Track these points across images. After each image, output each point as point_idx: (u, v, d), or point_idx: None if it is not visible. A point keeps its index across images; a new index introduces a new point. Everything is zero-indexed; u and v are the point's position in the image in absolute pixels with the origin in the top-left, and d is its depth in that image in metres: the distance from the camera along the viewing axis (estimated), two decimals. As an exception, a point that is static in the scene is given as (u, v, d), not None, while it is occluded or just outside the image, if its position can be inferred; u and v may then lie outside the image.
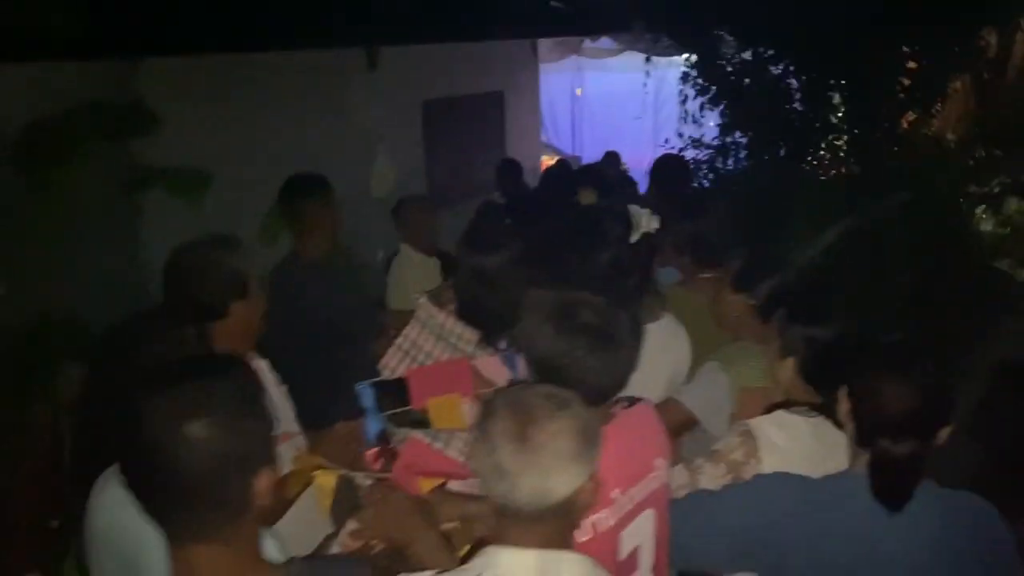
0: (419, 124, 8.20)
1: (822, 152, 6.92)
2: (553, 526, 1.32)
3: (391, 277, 3.79)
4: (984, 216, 7.64)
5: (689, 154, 7.46)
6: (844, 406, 1.68)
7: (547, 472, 1.27)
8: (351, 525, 1.73)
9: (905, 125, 6.89)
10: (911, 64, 6.59)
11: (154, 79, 5.14)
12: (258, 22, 5.81)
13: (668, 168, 4.12)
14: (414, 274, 3.70)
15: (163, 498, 1.18)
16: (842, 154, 6.78)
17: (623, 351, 1.55)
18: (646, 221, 2.45)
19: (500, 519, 1.33)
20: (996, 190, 7.85)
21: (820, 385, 1.98)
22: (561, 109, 11.01)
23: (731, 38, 7.25)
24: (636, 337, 1.58)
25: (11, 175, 2.99)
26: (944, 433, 1.59)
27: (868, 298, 3.85)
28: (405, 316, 3.29)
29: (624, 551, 1.59)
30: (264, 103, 6.34)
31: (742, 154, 7.03)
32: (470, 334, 2.36)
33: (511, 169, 6.41)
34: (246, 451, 1.19)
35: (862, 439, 1.63)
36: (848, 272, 4.79)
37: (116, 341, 1.66)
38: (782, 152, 6.84)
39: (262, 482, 1.21)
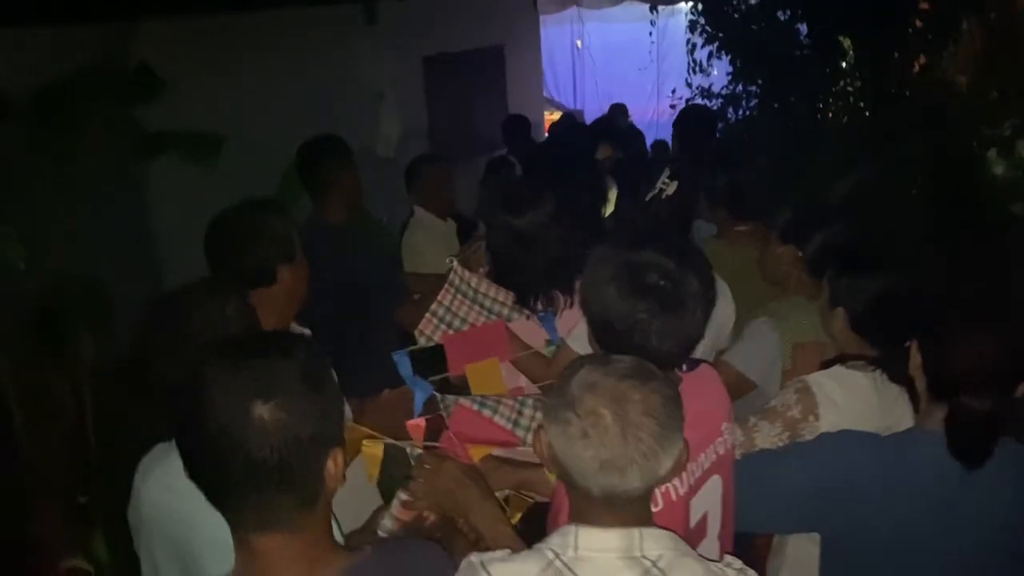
0: (420, 80, 8.04)
1: (832, 99, 6.79)
2: (640, 504, 1.27)
3: (406, 241, 3.70)
4: (996, 159, 7.57)
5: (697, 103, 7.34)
6: (916, 359, 1.62)
7: (655, 454, 1.21)
8: (402, 496, 1.68)
9: (917, 68, 6.75)
10: (923, 4, 6.44)
11: (152, 42, 5.03)
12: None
13: (694, 119, 4.02)
14: (428, 237, 3.61)
15: (231, 485, 1.10)
16: (853, 100, 6.65)
17: (691, 315, 1.48)
18: (664, 182, 2.38)
19: (585, 502, 1.26)
20: (1008, 132, 7.77)
21: (875, 338, 1.93)
22: (562, 62, 10.82)
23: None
24: (706, 301, 1.50)
25: (21, 143, 2.90)
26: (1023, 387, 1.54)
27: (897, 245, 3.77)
28: (421, 280, 3.26)
29: (694, 519, 1.54)
30: (263, 63, 6.21)
31: (752, 103, 6.89)
32: (504, 296, 2.31)
33: (518, 125, 6.30)
34: (318, 431, 1.11)
35: (939, 394, 1.57)
36: (876, 220, 4.71)
37: (162, 314, 1.59)
38: (793, 99, 6.71)
39: (334, 463, 1.15)
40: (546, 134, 9.19)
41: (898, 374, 1.81)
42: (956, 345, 1.53)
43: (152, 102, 3.31)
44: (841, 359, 1.93)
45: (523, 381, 2.28)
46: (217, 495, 1.14)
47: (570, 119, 7.46)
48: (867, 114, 6.77)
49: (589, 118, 9.19)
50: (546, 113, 10.09)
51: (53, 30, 4.32)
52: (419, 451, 1.74)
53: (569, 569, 1.23)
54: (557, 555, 1.25)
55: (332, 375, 1.20)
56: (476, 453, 1.86)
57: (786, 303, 2.33)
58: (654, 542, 1.25)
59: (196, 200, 5.07)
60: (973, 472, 1.53)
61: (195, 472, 1.14)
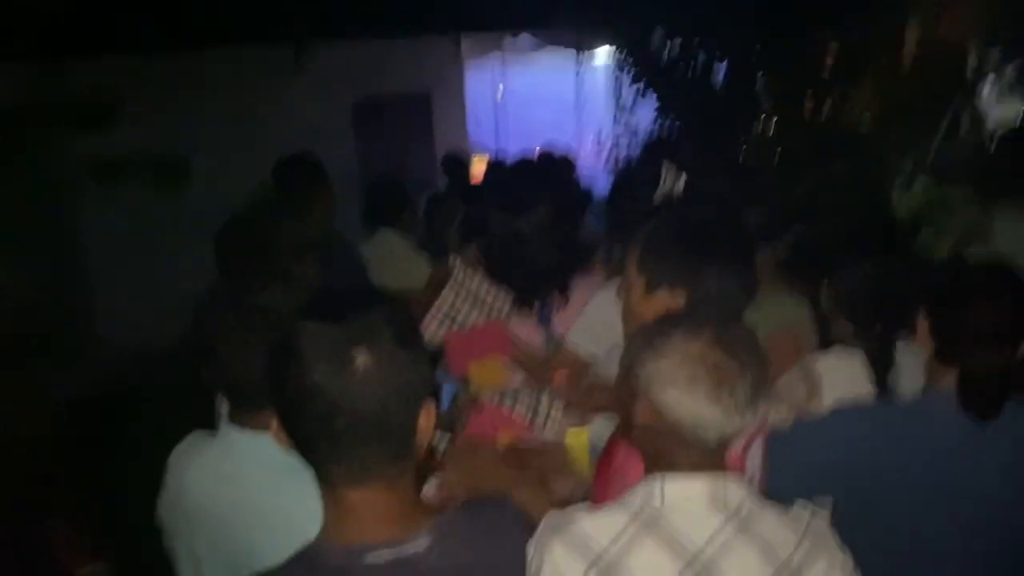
0: (350, 125, 8.07)
1: (752, 133, 7.15)
2: (721, 450, 1.30)
3: (376, 250, 3.72)
4: (899, 191, 8.08)
5: (623, 142, 7.62)
6: (923, 327, 1.73)
7: (752, 400, 1.25)
8: (434, 482, 1.67)
9: (828, 107, 7.19)
10: (833, 45, 6.89)
11: (91, 77, 4.94)
12: (184, 19, 5.64)
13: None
14: (404, 249, 3.66)
15: (331, 437, 1.09)
16: (773, 135, 7.01)
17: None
18: (672, 179, 2.49)
19: (671, 445, 1.28)
20: (910, 167, 8.31)
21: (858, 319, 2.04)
22: (484, 108, 11.02)
23: (657, 30, 7.43)
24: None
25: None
26: (1024, 347, 1.66)
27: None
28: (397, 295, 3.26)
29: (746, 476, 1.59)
30: (196, 101, 6.14)
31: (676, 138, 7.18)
32: (504, 296, 2.35)
33: (457, 163, 6.41)
34: (410, 382, 1.12)
35: (949, 355, 1.68)
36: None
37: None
38: (715, 135, 7.03)
39: (426, 418, 1.15)
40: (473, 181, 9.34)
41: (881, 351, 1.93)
42: (964, 308, 1.64)
43: (108, 125, 3.24)
44: (838, 340, 2.03)
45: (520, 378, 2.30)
46: (315, 449, 1.13)
47: (502, 163, 7.59)
48: (782, 149, 7.16)
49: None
50: (472, 158, 10.22)
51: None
52: (444, 443, 1.74)
53: (658, 517, 1.25)
54: (645, 504, 1.27)
55: (419, 329, 1.21)
56: (502, 438, 1.88)
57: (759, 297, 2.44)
58: (736, 487, 1.28)
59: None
60: (986, 431, 1.63)
61: (293, 429, 1.13)
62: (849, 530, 1.71)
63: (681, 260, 1.55)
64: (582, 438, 1.90)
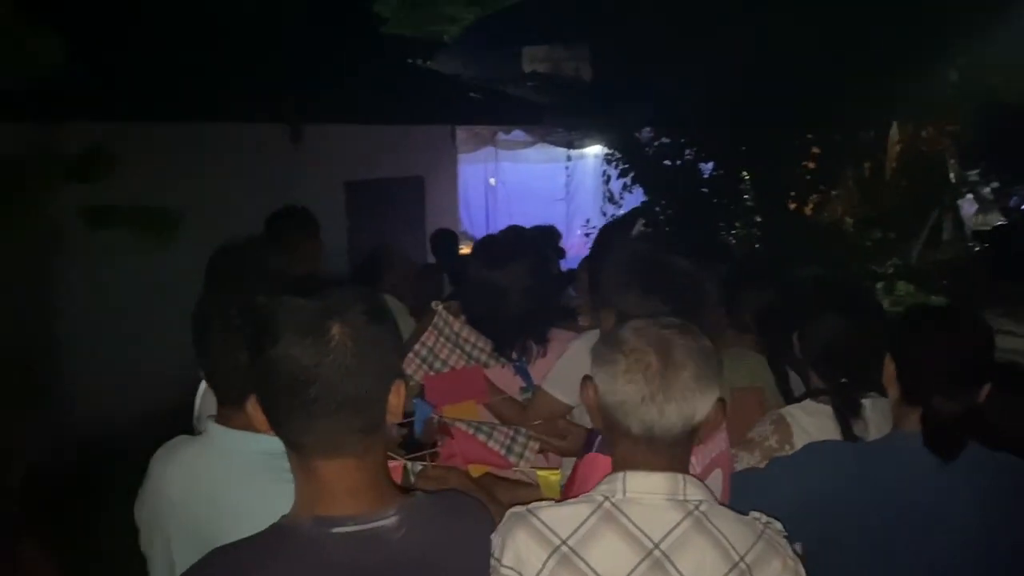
0: (342, 203, 8.20)
1: (736, 229, 7.31)
2: (680, 450, 1.33)
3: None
4: (880, 294, 8.22)
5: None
6: (889, 370, 1.75)
7: (692, 394, 1.29)
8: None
9: (809, 208, 7.38)
10: (815, 149, 7.13)
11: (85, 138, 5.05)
12: (184, 92, 5.82)
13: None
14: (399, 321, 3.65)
15: (305, 409, 1.13)
16: (756, 232, 7.18)
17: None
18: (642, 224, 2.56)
19: (629, 445, 1.33)
20: (890, 271, 8.49)
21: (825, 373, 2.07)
22: (476, 198, 11.25)
23: (647, 130, 7.71)
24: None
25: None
26: (985, 391, 1.69)
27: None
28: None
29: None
30: (193, 173, 6.25)
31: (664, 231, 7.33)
32: (483, 343, 2.36)
33: (445, 238, 6.50)
34: (381, 358, 1.17)
35: (912, 398, 1.70)
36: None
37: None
38: (699, 230, 7.18)
39: (396, 395, 1.19)
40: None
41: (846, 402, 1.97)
42: (927, 352, 1.68)
43: (105, 180, 3.30)
44: (810, 394, 2.05)
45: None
46: (289, 419, 1.16)
47: (489, 239, 7.73)
48: (764, 246, 7.31)
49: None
50: (462, 246, 10.36)
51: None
52: (420, 466, 1.73)
53: (619, 510, 1.28)
54: (606, 498, 1.29)
55: (390, 310, 1.24)
56: (474, 471, 1.86)
57: (722, 355, 2.47)
58: (695, 488, 1.32)
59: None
60: (948, 472, 1.64)
61: (269, 401, 1.17)
62: (816, 566, 1.70)
63: (612, 281, 1.66)
64: (553, 480, 1.89)
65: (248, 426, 1.29)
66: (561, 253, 5.61)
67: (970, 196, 13.80)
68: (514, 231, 5.20)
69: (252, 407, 1.20)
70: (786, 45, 6.67)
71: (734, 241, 7.09)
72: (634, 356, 1.31)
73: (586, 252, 8.50)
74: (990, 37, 7.34)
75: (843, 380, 1.96)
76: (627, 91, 7.40)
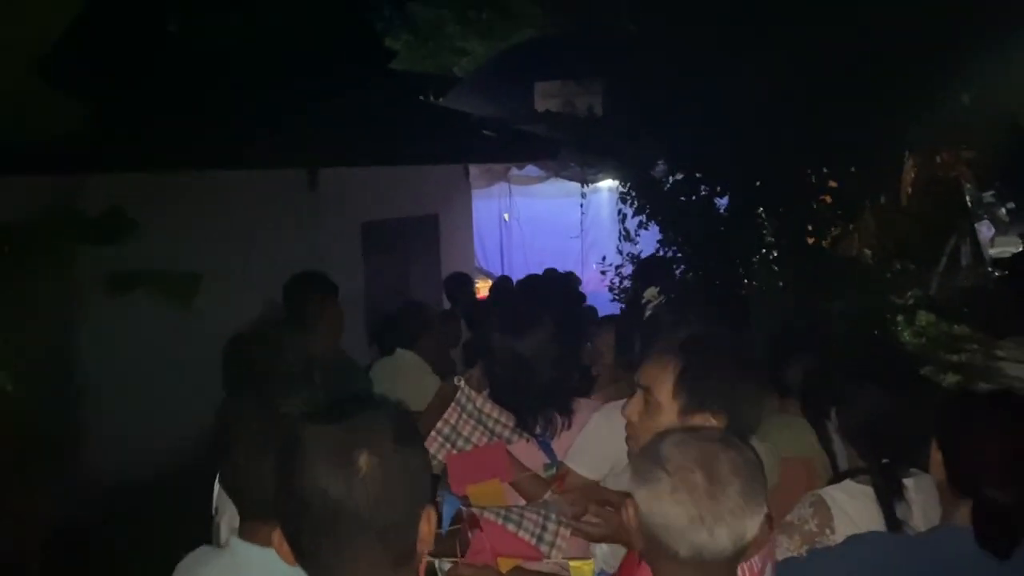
0: (359, 244, 8.22)
1: (754, 266, 7.24)
2: (727, 570, 1.27)
3: (382, 372, 3.68)
4: (902, 326, 8.12)
5: (626, 270, 7.72)
6: (936, 458, 1.70)
7: (742, 512, 1.24)
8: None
9: (828, 242, 7.31)
10: (832, 183, 7.08)
11: (104, 195, 5.09)
12: (201, 141, 5.85)
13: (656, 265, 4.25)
14: (420, 382, 3.61)
15: (332, 540, 1.08)
16: (775, 268, 7.10)
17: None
18: (651, 295, 2.50)
19: (675, 568, 1.27)
20: (911, 302, 8.39)
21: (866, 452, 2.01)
22: (490, 234, 11.24)
23: (659, 164, 7.68)
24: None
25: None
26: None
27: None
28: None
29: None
30: (211, 221, 6.28)
31: (680, 269, 7.28)
32: (506, 418, 2.33)
33: (461, 282, 6.48)
34: (411, 485, 1.13)
35: (961, 488, 1.65)
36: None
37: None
38: (717, 267, 7.13)
39: (427, 523, 1.15)
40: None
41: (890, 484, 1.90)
42: (979, 441, 1.62)
43: (123, 244, 3.29)
44: (850, 473, 1.99)
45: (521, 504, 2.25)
46: (317, 555, 1.11)
47: (507, 281, 7.70)
48: (784, 282, 7.23)
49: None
50: (477, 282, 10.34)
51: (15, 179, 4.35)
52: (448, 564, 1.68)
53: None
54: None
55: (419, 431, 1.21)
56: (503, 565, 1.81)
57: (768, 422, 2.41)
58: None
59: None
60: (1002, 570, 1.58)
61: (295, 534, 1.12)
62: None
63: (720, 383, 1.57)
64: (587, 570, 1.84)
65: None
66: (581, 299, 5.58)
67: (986, 219, 13.75)
68: (533, 286, 5.18)
69: (278, 541, 1.15)
70: (798, 77, 6.66)
71: (755, 282, 7.01)
72: (679, 475, 1.25)
73: (602, 288, 8.50)
74: (1001, 59, 7.30)
75: (884, 460, 1.90)
76: (641, 125, 7.40)
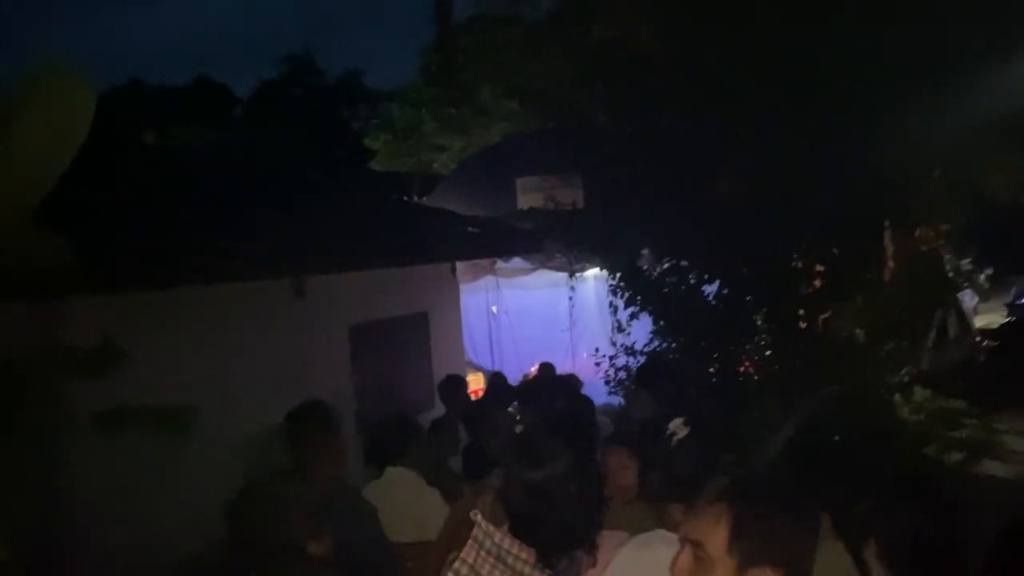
0: (346, 348, 8.12)
1: (748, 352, 7.21)
2: None
3: (385, 504, 3.53)
4: (900, 403, 8.08)
5: (620, 361, 7.66)
6: None
7: None
8: None
9: (820, 325, 7.31)
10: (819, 267, 7.12)
11: (91, 317, 5.01)
12: (190, 257, 5.81)
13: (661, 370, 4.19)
14: (418, 500, 3.49)
15: None
16: (768, 352, 7.07)
17: None
18: (676, 427, 2.40)
19: None
20: (906, 379, 8.37)
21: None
22: (479, 327, 11.18)
23: (644, 255, 7.73)
24: None
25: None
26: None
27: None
28: (410, 549, 3.09)
29: None
30: (197, 336, 6.20)
31: (675, 358, 7.24)
32: (527, 554, 2.21)
33: (455, 385, 6.37)
34: None
35: None
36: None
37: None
38: (712, 354, 7.09)
39: None
40: (472, 397, 9.31)
41: None
42: None
43: (112, 375, 3.21)
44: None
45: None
46: None
47: (501, 379, 7.60)
48: (779, 367, 7.20)
49: (508, 379, 9.37)
50: (468, 375, 10.24)
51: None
52: None
53: None
54: None
55: None
56: None
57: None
58: None
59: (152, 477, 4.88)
60: None
61: None
62: None
63: (778, 534, 1.48)
64: None
65: None
66: (590, 408, 5.43)
67: (968, 288, 13.91)
68: (535, 393, 5.04)
69: None
70: (779, 166, 6.77)
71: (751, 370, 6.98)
72: None
73: (594, 377, 8.41)
74: (963, 130, 7.48)
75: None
76: (623, 216, 7.46)
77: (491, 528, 2.21)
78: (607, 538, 2.26)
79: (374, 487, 3.66)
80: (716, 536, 1.50)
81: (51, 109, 2.08)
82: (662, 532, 1.92)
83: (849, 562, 2.14)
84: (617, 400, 7.67)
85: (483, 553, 2.19)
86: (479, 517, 2.23)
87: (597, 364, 7.94)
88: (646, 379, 4.14)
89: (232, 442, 4.26)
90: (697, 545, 1.53)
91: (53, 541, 4.39)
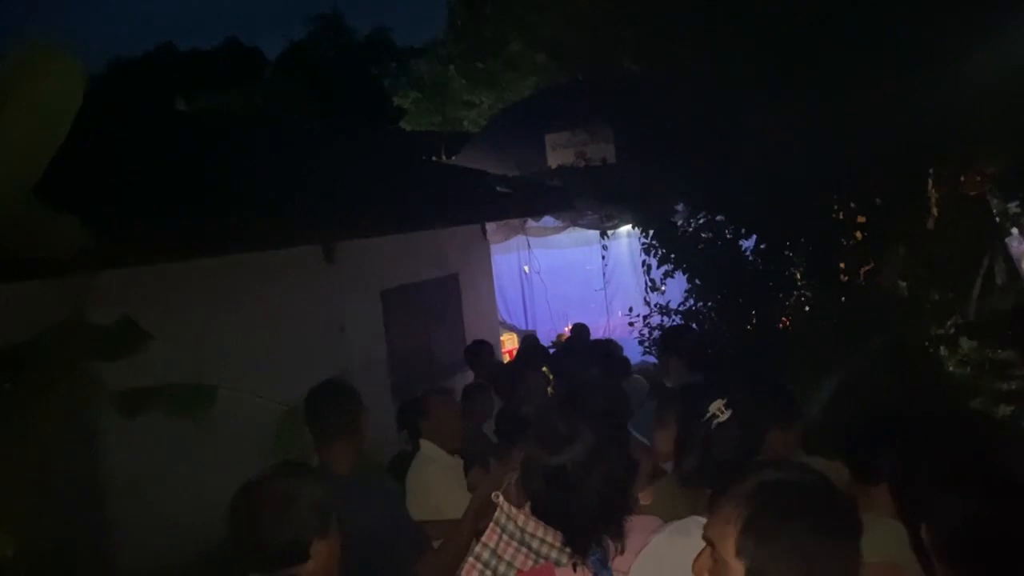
0: (379, 313, 8.08)
1: (787, 307, 7.01)
2: None
3: (412, 481, 3.48)
4: (945, 356, 7.83)
5: (655, 320, 7.51)
6: None
7: None
8: None
9: (862, 277, 7.08)
10: (860, 218, 6.87)
11: (120, 288, 4.99)
12: (220, 227, 5.76)
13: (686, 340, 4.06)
14: (441, 474, 3.42)
15: None
16: (807, 308, 6.88)
17: None
18: (717, 409, 2.24)
19: None
20: (952, 331, 8.11)
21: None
22: (511, 287, 11.10)
23: (679, 209, 7.51)
24: None
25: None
26: None
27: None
28: (437, 525, 3.03)
29: None
30: (232, 305, 6.19)
31: (711, 317, 7.07)
32: (552, 537, 2.11)
33: (480, 350, 6.27)
34: None
35: None
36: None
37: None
38: (749, 310, 6.91)
39: None
40: (506, 357, 9.25)
41: None
42: None
43: (136, 355, 3.15)
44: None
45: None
46: None
47: (534, 341, 7.51)
48: (822, 320, 6.99)
49: (542, 338, 9.30)
50: (501, 336, 10.19)
51: (17, 285, 4.22)
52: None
53: None
54: None
55: None
56: None
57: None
58: None
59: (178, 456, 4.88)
60: None
61: None
62: None
63: (793, 543, 1.34)
64: None
65: None
66: (626, 367, 5.33)
67: (1016, 232, 13.43)
68: (575, 382, 4.90)
69: None
70: (813, 105, 6.49)
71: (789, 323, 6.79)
72: None
73: (628, 335, 8.28)
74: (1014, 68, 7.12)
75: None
76: (655, 170, 7.25)
77: (514, 511, 2.11)
78: (638, 523, 2.15)
79: (410, 475, 3.60)
80: (727, 538, 1.39)
81: (39, 87, 1.99)
82: (699, 519, 1.80)
83: (906, 540, 1.99)
84: (652, 360, 7.53)
85: (505, 537, 2.10)
86: (501, 499, 2.14)
87: (631, 324, 7.80)
88: (674, 345, 4.00)
89: (258, 423, 4.24)
90: (712, 546, 1.42)
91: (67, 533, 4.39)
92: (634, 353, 7.84)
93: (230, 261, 6.11)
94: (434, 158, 12.08)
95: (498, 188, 9.10)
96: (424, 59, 21.55)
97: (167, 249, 5.39)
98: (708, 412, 2.11)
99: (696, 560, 1.47)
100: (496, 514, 2.15)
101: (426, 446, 3.61)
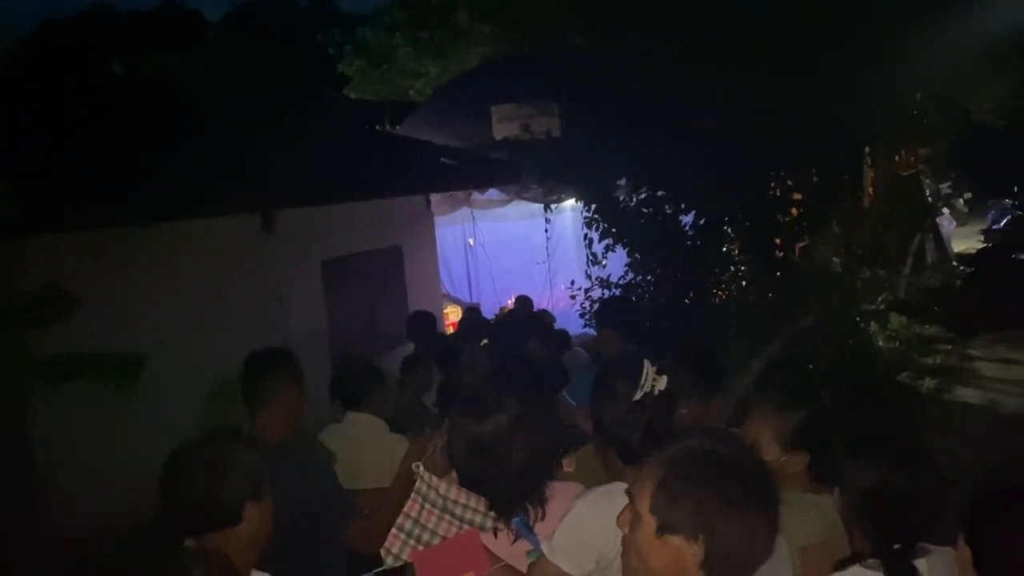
0: (319, 283, 7.99)
1: (724, 283, 7.14)
2: None
3: (345, 450, 3.46)
4: (875, 331, 8.09)
5: (596, 294, 7.58)
6: (964, 555, 1.56)
7: None
8: None
9: (796, 253, 7.24)
10: (796, 195, 7.01)
11: (54, 258, 4.85)
12: (154, 193, 5.61)
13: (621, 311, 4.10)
14: (379, 446, 3.41)
15: None
16: (744, 283, 7.01)
17: None
18: (653, 378, 2.26)
19: None
20: (882, 307, 8.37)
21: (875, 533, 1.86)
22: (456, 259, 11.07)
23: (620, 184, 7.57)
24: None
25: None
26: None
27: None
28: (367, 495, 3.03)
29: None
30: (167, 274, 6.06)
31: (650, 290, 7.17)
32: (476, 502, 2.14)
33: (422, 321, 6.24)
34: None
35: None
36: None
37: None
38: (687, 285, 7.02)
39: None
40: (449, 329, 9.25)
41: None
42: (1009, 539, 1.49)
43: (62, 321, 3.08)
44: (856, 557, 1.85)
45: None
46: None
47: (476, 313, 7.52)
48: (756, 296, 7.15)
49: (486, 311, 9.32)
50: (445, 308, 10.17)
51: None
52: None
53: None
54: None
55: None
56: None
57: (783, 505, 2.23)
58: None
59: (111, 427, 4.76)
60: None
61: None
62: None
63: (699, 506, 1.39)
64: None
65: None
66: (566, 339, 5.34)
67: (946, 213, 13.89)
68: (502, 350, 4.92)
69: None
70: (755, 86, 6.59)
71: (724, 295, 6.92)
72: None
73: (570, 309, 8.36)
74: (951, 54, 7.33)
75: (895, 539, 1.75)
76: (599, 145, 7.28)
77: (435, 479, 2.14)
78: (559, 490, 2.19)
79: (333, 431, 3.59)
80: (643, 495, 1.46)
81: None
82: (621, 484, 1.85)
83: (833, 512, 2.05)
84: (593, 332, 7.61)
85: (428, 505, 2.13)
86: (421, 469, 2.15)
87: (572, 297, 7.86)
88: (610, 318, 4.05)
89: (192, 391, 4.16)
90: (631, 502, 1.49)
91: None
92: (575, 326, 7.92)
93: (166, 228, 5.97)
94: (378, 127, 11.93)
95: (443, 159, 9.04)
96: (370, 26, 21.17)
97: (99, 215, 5.24)
98: (643, 379, 2.15)
99: (620, 514, 1.53)
100: (417, 484, 2.17)
101: (355, 416, 3.60)
